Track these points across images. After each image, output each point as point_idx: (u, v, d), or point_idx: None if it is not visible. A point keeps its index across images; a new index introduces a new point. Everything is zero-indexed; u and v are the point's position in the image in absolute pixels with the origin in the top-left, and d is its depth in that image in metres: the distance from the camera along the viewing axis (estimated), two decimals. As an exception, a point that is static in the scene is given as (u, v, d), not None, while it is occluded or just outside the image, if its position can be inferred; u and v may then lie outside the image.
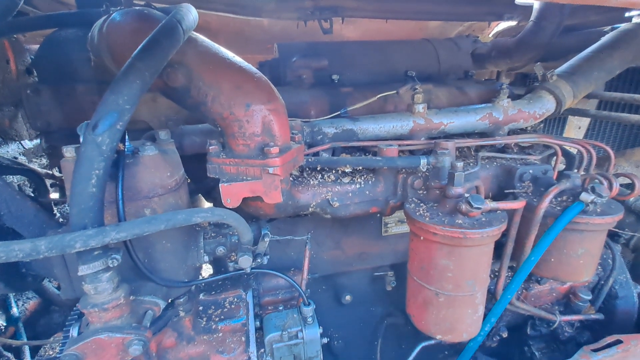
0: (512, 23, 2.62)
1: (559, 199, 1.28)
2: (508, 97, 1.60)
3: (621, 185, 1.36)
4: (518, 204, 1.16)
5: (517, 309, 1.50)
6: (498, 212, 1.16)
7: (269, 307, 1.51)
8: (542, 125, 1.78)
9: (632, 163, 2.08)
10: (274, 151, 1.06)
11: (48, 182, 1.97)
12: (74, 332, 1.04)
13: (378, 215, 1.64)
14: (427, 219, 1.14)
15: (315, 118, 1.54)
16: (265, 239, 1.23)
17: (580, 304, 1.66)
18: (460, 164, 1.14)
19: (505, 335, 1.70)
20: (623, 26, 1.72)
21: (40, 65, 1.66)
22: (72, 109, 1.61)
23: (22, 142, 2.03)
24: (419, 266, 1.22)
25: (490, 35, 2.85)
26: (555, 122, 2.62)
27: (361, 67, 1.90)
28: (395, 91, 1.60)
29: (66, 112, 1.61)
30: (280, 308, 1.45)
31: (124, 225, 0.82)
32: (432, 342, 1.51)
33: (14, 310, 1.93)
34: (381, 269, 1.87)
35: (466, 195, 1.12)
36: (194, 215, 0.94)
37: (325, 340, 1.31)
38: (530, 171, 1.40)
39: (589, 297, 1.65)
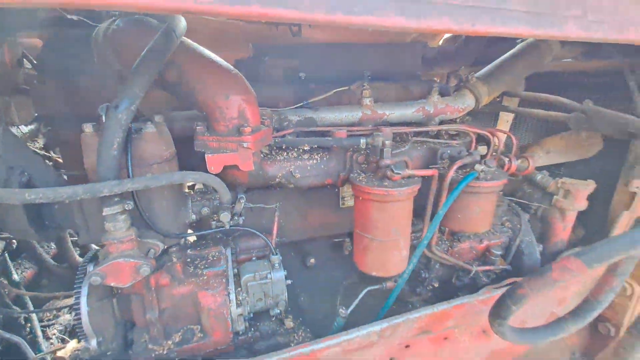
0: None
1: (464, 170, 1.70)
2: (439, 94, 2.01)
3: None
4: (430, 172, 1.56)
5: (441, 259, 1.92)
6: (415, 177, 1.55)
7: (245, 264, 1.84)
8: (468, 117, 2.21)
9: (544, 150, 2.57)
10: (247, 130, 1.39)
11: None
12: (90, 268, 1.34)
13: (333, 188, 2.00)
14: (363, 182, 1.51)
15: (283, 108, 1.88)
16: (241, 201, 1.56)
17: (494, 258, 2.10)
18: (388, 142, 1.52)
19: (436, 285, 2.12)
20: (527, 40, 2.17)
21: (44, 64, 1.89)
22: (72, 102, 1.86)
23: (19, 127, 2.24)
24: (360, 221, 1.60)
25: (440, 43, 3.28)
26: (491, 116, 3.10)
27: (325, 67, 2.22)
28: (347, 87, 1.97)
29: (68, 104, 1.86)
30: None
31: (136, 179, 1.14)
32: (376, 287, 1.90)
33: (15, 277, 2.17)
34: (340, 237, 2.24)
35: (392, 165, 1.50)
36: (186, 176, 1.26)
37: (289, 282, 1.66)
38: (448, 151, 1.81)
39: (500, 253, 2.10)
